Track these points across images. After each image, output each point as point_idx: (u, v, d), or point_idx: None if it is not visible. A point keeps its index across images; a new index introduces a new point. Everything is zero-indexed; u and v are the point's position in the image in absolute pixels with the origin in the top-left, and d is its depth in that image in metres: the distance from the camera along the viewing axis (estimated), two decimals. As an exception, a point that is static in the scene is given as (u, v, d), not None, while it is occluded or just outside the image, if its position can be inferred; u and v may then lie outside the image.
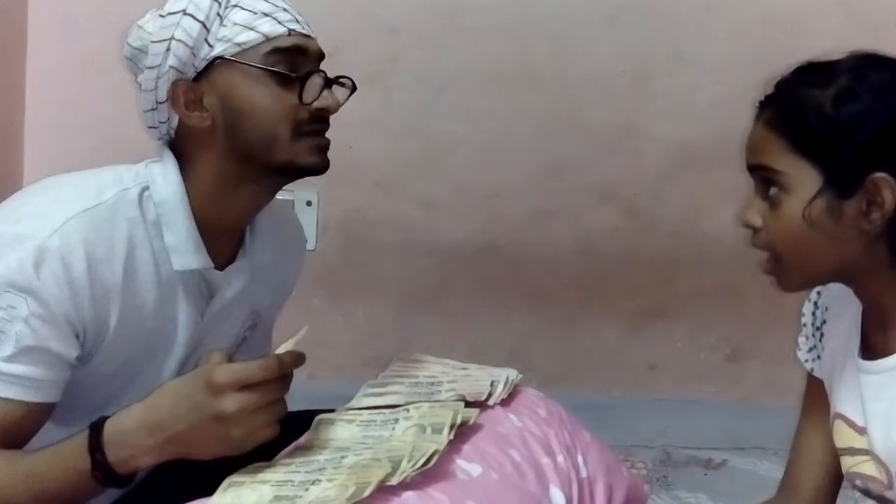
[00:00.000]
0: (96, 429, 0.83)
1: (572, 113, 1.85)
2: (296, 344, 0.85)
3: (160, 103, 0.93)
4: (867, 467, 0.91)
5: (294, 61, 0.92)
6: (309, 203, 1.87)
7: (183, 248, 0.92)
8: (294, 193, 1.86)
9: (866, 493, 0.93)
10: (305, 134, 0.93)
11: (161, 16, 0.92)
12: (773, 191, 0.85)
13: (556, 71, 1.84)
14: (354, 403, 1.02)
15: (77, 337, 0.88)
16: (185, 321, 0.95)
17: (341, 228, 1.88)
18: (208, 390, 0.79)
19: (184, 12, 0.90)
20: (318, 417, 0.97)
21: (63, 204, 0.88)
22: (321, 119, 0.95)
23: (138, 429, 0.82)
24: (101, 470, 0.82)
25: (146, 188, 0.92)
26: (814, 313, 1.00)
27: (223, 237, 0.97)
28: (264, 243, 1.02)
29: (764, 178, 0.86)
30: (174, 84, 0.92)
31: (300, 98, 0.92)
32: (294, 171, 0.95)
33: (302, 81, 0.92)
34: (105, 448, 0.82)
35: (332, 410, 1.00)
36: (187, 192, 0.93)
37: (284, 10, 0.94)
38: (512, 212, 1.88)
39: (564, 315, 1.90)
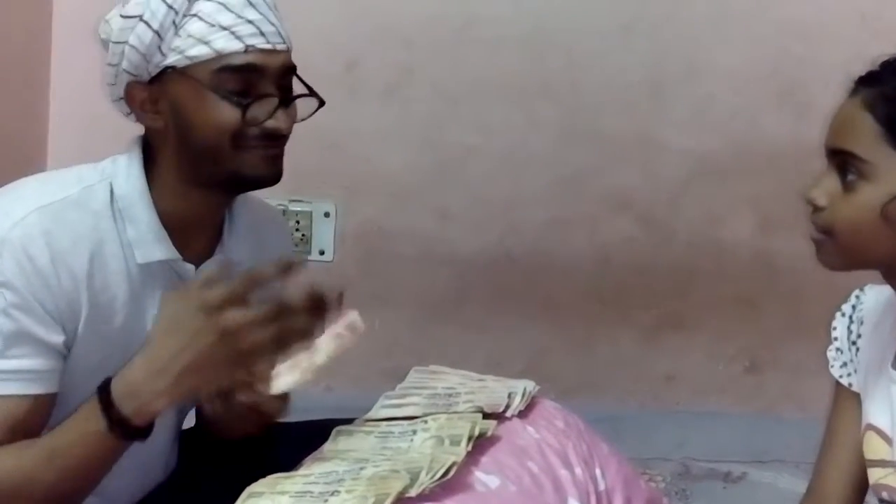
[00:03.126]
0: (105, 389, 0.83)
1: (588, 123, 1.85)
2: (338, 331, 0.87)
3: (120, 99, 0.95)
4: (894, 479, 0.90)
5: (247, 80, 0.91)
6: (327, 214, 1.88)
7: (144, 240, 0.92)
8: (312, 205, 1.87)
9: None
10: (248, 147, 0.92)
11: (122, 16, 0.92)
12: (850, 177, 0.82)
13: (571, 81, 1.84)
14: (372, 414, 1.02)
15: (57, 322, 0.88)
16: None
17: (358, 239, 1.89)
18: (204, 312, 0.80)
19: (140, 18, 0.90)
20: (336, 429, 0.97)
21: (24, 200, 0.90)
22: (273, 137, 0.93)
23: (147, 376, 0.83)
24: (119, 425, 0.83)
25: (112, 183, 0.93)
26: (848, 327, 0.97)
27: (194, 232, 0.97)
28: (242, 239, 1.01)
29: (843, 161, 0.83)
30: (129, 84, 0.93)
31: (243, 120, 0.91)
32: (240, 183, 0.95)
33: (245, 108, 0.90)
34: (117, 404, 0.83)
35: (350, 421, 1.00)
36: (152, 185, 0.93)
37: (249, 22, 0.90)
38: (528, 222, 1.88)
39: (581, 326, 1.89)
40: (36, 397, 0.88)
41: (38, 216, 0.88)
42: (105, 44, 0.94)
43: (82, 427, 0.84)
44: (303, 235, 1.86)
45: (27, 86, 1.77)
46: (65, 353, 0.90)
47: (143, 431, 0.85)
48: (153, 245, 0.93)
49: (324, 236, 1.88)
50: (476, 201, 1.87)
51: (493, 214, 1.87)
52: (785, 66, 1.82)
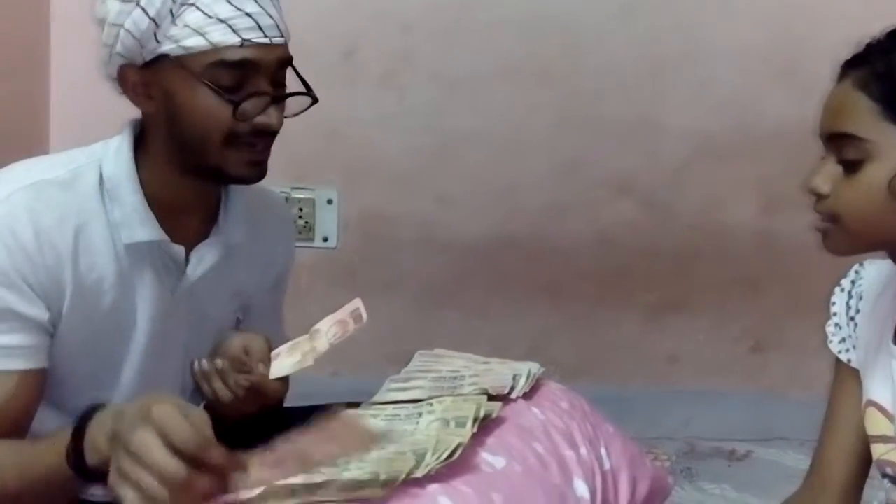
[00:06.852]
0: (80, 429, 0.78)
1: (588, 106, 1.84)
2: (340, 318, 0.86)
3: (112, 79, 0.94)
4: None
5: (242, 75, 0.90)
6: (329, 201, 1.88)
7: (129, 221, 0.92)
8: (315, 192, 1.87)
9: None
10: (238, 145, 0.91)
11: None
12: (852, 159, 0.82)
13: (570, 64, 1.84)
14: (378, 398, 1.03)
15: (41, 299, 0.89)
16: (149, 296, 0.95)
17: (360, 226, 1.89)
18: (139, 414, 0.70)
19: (137, 3, 0.89)
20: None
21: (10, 181, 0.91)
22: (262, 133, 0.92)
23: (104, 437, 0.76)
24: (83, 473, 0.79)
25: (101, 164, 0.94)
26: (847, 303, 0.97)
27: (184, 214, 0.97)
28: (240, 222, 1.01)
29: (842, 145, 0.83)
30: (122, 67, 0.92)
31: (234, 116, 0.90)
32: (222, 179, 0.95)
33: (236, 104, 0.89)
34: (86, 452, 0.78)
35: (356, 405, 1.01)
36: (142, 167, 0.93)
37: (247, 14, 0.89)
38: (529, 206, 1.88)
39: (584, 308, 1.90)
40: (22, 373, 0.87)
41: (23, 194, 0.89)
42: (101, 23, 0.93)
43: (53, 459, 0.81)
44: (306, 223, 1.87)
45: (27, 78, 1.77)
46: (51, 330, 0.90)
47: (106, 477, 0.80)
48: (137, 226, 0.92)
49: (327, 223, 1.88)
50: (477, 186, 1.87)
51: (494, 199, 1.88)
52: (786, 45, 1.82)
